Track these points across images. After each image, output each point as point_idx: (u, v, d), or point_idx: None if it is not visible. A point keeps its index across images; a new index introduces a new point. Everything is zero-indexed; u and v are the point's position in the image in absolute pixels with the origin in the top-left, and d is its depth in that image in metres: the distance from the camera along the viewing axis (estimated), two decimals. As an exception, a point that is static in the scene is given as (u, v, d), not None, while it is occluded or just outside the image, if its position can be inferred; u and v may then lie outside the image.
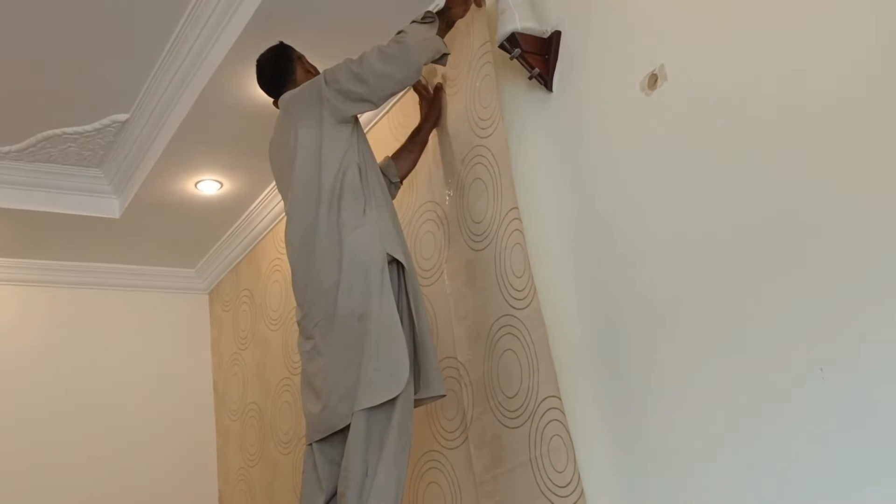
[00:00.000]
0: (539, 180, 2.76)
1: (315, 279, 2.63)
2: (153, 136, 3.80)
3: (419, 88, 3.17)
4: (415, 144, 3.11)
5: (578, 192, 2.64)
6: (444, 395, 2.68)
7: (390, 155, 3.10)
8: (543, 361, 2.57)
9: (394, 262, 2.61)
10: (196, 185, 4.07)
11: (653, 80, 2.40)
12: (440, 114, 3.12)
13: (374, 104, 2.72)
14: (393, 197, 3.04)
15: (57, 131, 3.80)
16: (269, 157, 2.94)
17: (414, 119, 3.21)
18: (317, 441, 2.58)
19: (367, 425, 2.44)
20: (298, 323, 2.72)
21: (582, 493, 2.41)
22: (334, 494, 2.53)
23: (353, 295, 2.53)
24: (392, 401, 2.45)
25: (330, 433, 2.53)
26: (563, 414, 2.49)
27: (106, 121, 3.79)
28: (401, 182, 3.08)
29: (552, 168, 2.73)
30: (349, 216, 2.61)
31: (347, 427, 2.47)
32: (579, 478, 2.42)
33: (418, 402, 2.62)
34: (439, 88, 3.14)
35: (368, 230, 2.61)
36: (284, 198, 2.83)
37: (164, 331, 4.85)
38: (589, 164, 2.61)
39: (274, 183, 3.96)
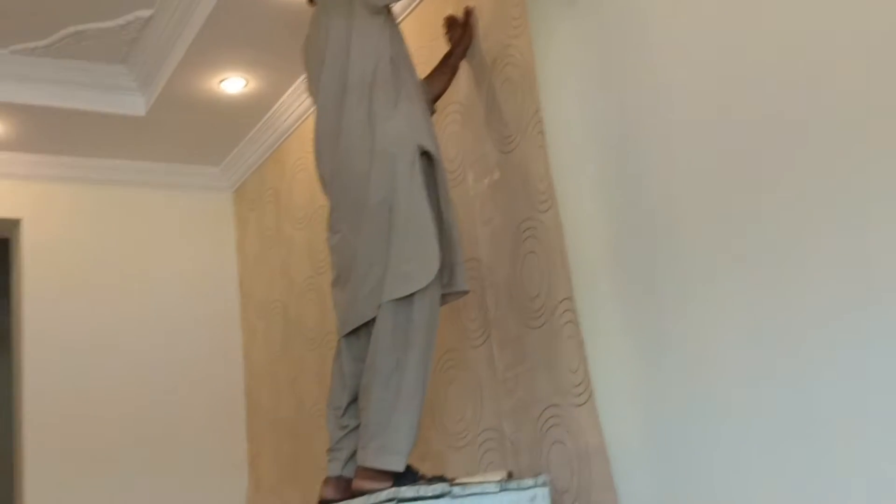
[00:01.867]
0: (568, 80, 2.73)
1: (343, 171, 2.61)
2: (177, 33, 3.77)
3: (446, 22, 3.12)
4: (447, 67, 3.06)
5: (607, 92, 2.61)
6: (467, 292, 2.69)
7: (422, 78, 3.02)
8: (561, 264, 2.60)
9: (424, 154, 2.59)
10: (220, 83, 4.05)
11: (686, -21, 2.36)
12: (471, 41, 3.06)
13: None
14: None
15: (81, 27, 3.78)
16: (304, 56, 2.88)
17: (439, 19, 3.17)
18: (345, 336, 2.61)
19: (395, 318, 2.45)
20: (329, 216, 2.71)
21: (591, 393, 2.47)
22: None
23: (382, 185, 2.52)
24: (420, 294, 2.46)
25: (358, 325, 2.56)
26: (576, 315, 2.53)
27: (130, 17, 3.76)
28: (433, 103, 3.00)
29: (581, 68, 2.70)
30: (380, 107, 2.59)
31: (372, 321, 2.50)
32: (590, 379, 2.47)
33: (443, 299, 2.62)
34: (469, 13, 3.08)
35: (400, 121, 2.59)
36: (315, 97, 2.78)
37: (189, 229, 4.88)
38: (618, 63, 2.57)
39: (301, 79, 3.95)
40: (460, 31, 3.08)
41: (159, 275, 4.73)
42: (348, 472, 2.56)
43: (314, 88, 2.80)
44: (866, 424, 1.89)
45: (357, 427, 2.53)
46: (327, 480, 2.59)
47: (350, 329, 2.59)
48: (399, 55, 2.70)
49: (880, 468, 1.86)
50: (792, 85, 2.07)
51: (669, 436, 2.35)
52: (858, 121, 1.93)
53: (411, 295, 2.46)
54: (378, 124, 2.57)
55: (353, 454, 2.53)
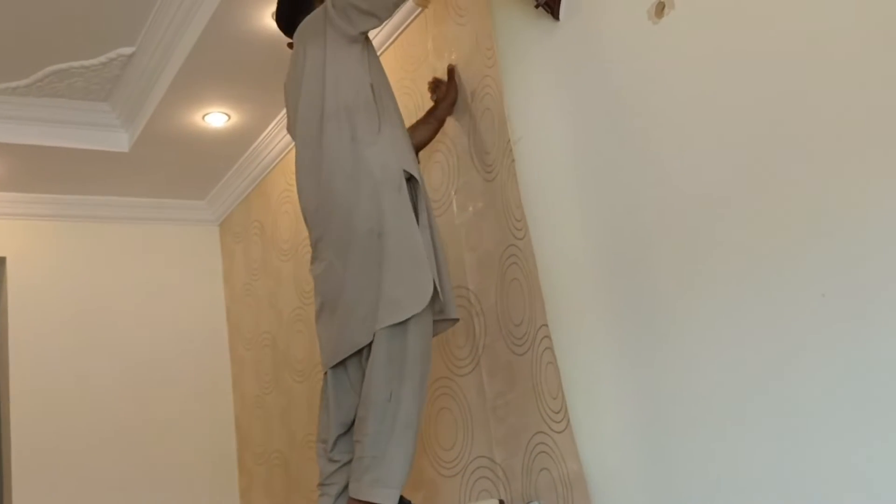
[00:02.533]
0: (546, 110, 2.76)
1: (328, 198, 2.59)
2: (160, 69, 3.79)
3: (431, 84, 3.13)
4: (432, 118, 3.06)
5: (585, 122, 2.63)
6: (457, 320, 2.67)
7: (407, 127, 2.98)
8: (537, 291, 2.62)
9: (410, 179, 2.59)
10: (204, 117, 4.07)
11: (660, 8, 2.39)
12: (457, 96, 3.06)
13: (380, 18, 2.64)
14: None
15: (63, 66, 3.79)
16: (284, 95, 2.88)
17: (420, 49, 3.20)
18: (332, 367, 2.58)
19: (389, 347, 2.43)
20: (312, 246, 2.68)
21: (569, 420, 2.49)
22: (349, 423, 2.55)
23: (371, 213, 2.50)
24: (415, 321, 2.44)
25: (347, 356, 2.52)
26: (552, 341, 2.55)
27: (112, 54, 3.78)
28: (417, 152, 2.93)
29: (559, 98, 2.73)
30: (364, 133, 2.57)
31: (362, 351, 2.49)
32: (566, 406, 2.50)
33: (435, 327, 2.58)
34: (452, 70, 3.08)
35: (384, 147, 2.58)
36: (294, 133, 2.78)
37: (176, 262, 4.89)
38: (595, 92, 2.60)
39: (283, 112, 3.96)
40: (445, 88, 3.09)
41: (147, 309, 4.72)
42: (340, 507, 2.55)
43: (293, 123, 2.79)
44: (862, 435, 1.90)
45: (348, 462, 2.51)
46: (318, 515, 2.58)
47: (341, 358, 2.54)
48: (379, 82, 2.70)
49: (878, 475, 1.87)
50: (764, 107, 2.10)
51: (652, 459, 2.35)
52: (836, 141, 1.96)
53: (406, 322, 2.44)
54: (362, 150, 2.56)
55: (344, 489, 2.50)
